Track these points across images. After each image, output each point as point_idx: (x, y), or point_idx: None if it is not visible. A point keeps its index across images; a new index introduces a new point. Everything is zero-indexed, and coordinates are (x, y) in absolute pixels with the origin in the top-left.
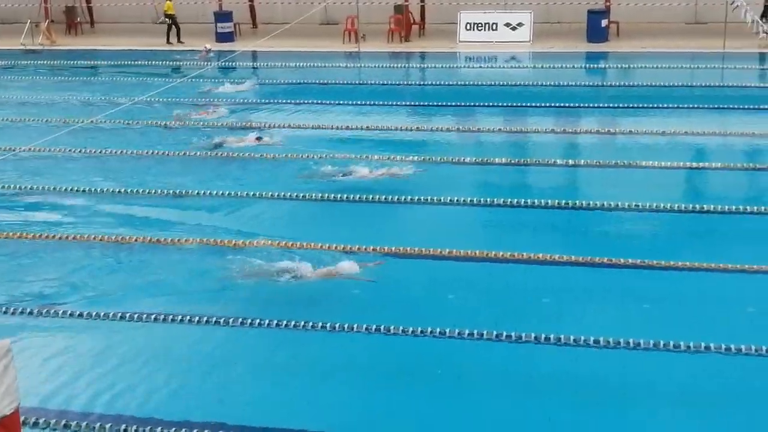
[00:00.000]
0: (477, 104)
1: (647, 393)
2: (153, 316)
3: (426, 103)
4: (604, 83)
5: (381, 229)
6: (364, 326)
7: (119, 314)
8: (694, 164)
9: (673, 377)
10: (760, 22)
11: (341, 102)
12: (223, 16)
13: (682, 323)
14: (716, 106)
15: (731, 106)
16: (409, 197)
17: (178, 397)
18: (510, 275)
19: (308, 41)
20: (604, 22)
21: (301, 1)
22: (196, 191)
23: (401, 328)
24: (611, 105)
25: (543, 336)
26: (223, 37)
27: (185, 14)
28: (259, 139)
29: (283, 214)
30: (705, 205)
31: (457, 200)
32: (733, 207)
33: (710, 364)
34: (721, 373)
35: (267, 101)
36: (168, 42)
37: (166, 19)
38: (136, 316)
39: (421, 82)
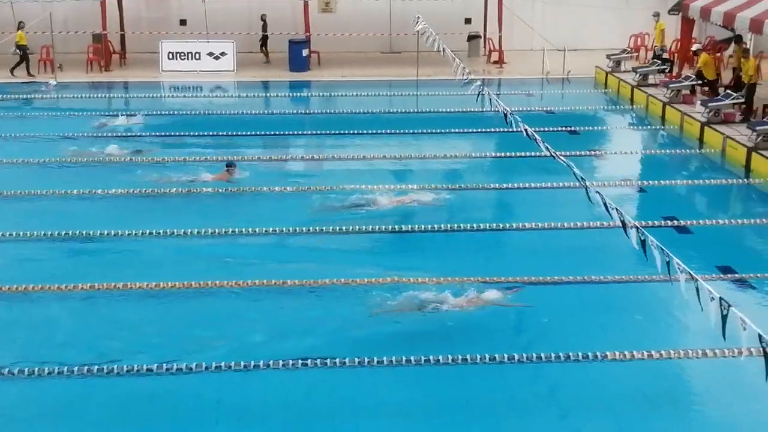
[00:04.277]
0: (182, 134)
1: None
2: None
3: (130, 134)
4: (308, 111)
5: None
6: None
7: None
8: (395, 186)
9: (288, 392)
10: (450, 51)
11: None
12: None
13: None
14: (412, 131)
15: (425, 131)
16: None
17: None
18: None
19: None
20: (305, 52)
21: None
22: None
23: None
24: (315, 132)
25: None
26: None
27: None
28: (230, 166)
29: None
30: (406, 225)
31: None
32: (431, 226)
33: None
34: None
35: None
36: (12, 74)
37: (18, 51)
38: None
39: (125, 113)
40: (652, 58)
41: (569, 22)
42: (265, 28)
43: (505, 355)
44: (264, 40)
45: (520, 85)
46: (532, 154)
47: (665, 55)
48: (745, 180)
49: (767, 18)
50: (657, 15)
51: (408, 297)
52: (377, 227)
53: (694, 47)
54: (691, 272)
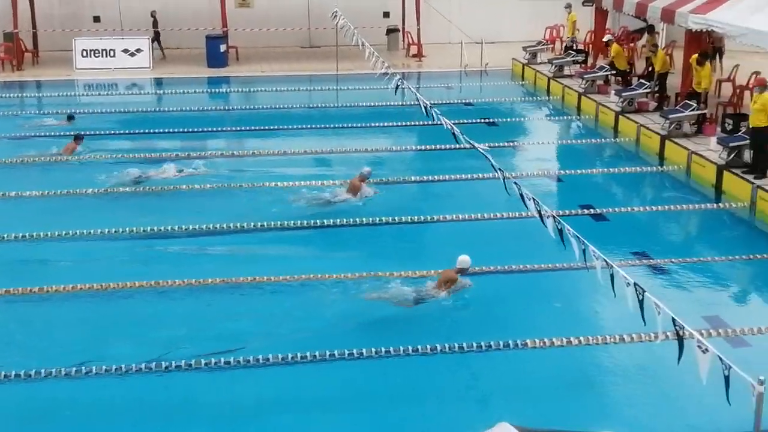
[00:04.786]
0: (100, 132)
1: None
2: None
3: (40, 134)
4: (227, 107)
5: None
6: None
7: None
8: (316, 182)
9: (211, 391)
10: (369, 45)
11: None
12: None
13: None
14: (332, 125)
15: (346, 125)
16: None
17: None
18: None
19: None
20: (222, 47)
21: None
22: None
23: None
24: (235, 128)
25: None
26: None
27: None
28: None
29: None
30: (328, 220)
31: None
32: (353, 219)
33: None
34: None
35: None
36: None
37: None
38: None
39: (37, 112)
40: (564, 50)
41: (486, 14)
42: (155, 24)
43: (428, 346)
44: (156, 36)
45: (438, 77)
46: (452, 146)
47: (577, 47)
48: (659, 167)
49: (678, 8)
50: (569, 7)
51: (328, 291)
52: (297, 222)
53: (606, 38)
54: (606, 259)
